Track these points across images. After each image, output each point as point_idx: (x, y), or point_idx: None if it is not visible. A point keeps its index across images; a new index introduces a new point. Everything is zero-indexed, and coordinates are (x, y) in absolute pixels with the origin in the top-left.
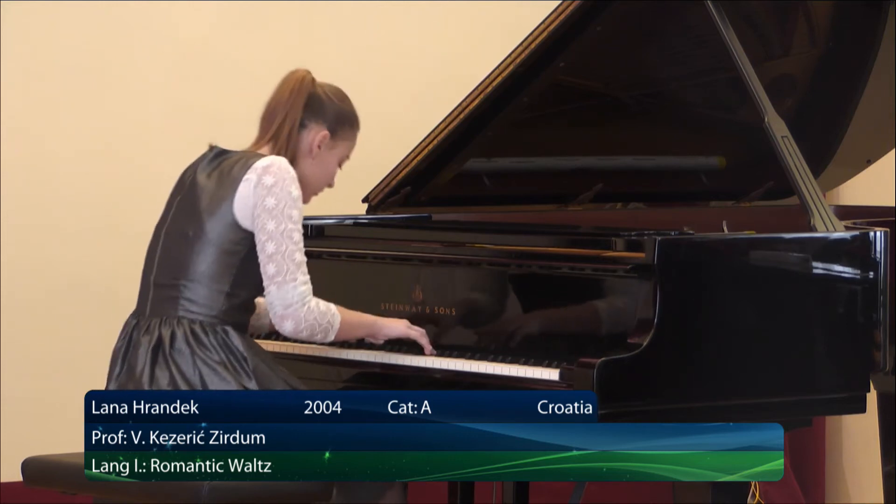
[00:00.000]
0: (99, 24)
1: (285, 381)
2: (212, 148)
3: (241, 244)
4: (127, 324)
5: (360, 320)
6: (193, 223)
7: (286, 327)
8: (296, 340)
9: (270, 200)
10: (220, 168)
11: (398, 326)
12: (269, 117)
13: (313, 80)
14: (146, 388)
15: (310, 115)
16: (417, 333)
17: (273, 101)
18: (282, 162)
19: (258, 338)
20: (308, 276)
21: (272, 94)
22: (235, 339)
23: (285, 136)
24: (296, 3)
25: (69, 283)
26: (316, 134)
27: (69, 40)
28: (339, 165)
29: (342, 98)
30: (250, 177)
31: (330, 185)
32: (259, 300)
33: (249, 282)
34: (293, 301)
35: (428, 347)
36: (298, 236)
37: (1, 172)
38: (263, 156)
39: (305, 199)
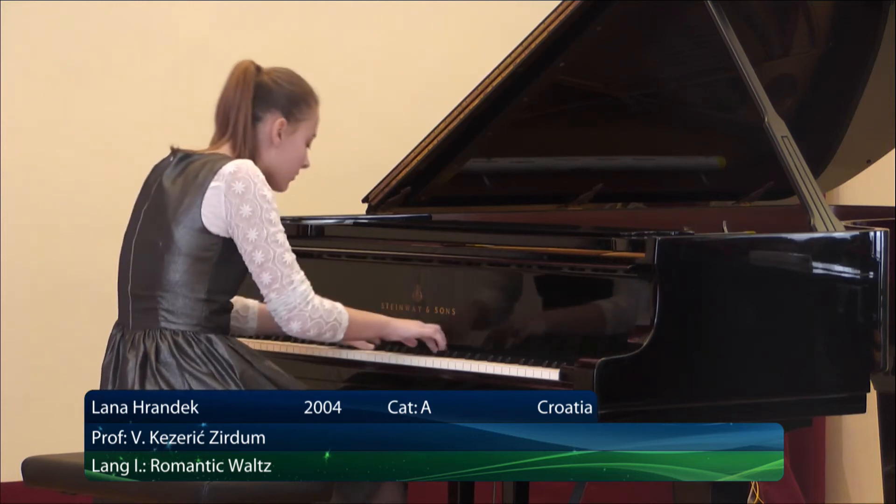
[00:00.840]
0: (99, 24)
1: (271, 381)
2: (174, 151)
3: (211, 250)
4: (112, 336)
5: (370, 319)
6: (162, 233)
7: (293, 328)
8: (304, 341)
9: (246, 209)
10: (184, 174)
11: (411, 327)
12: (223, 115)
13: (258, 68)
14: None
15: (262, 106)
16: (431, 331)
17: (222, 98)
18: (248, 165)
19: (257, 337)
20: (303, 273)
21: (221, 90)
22: (220, 348)
23: (241, 132)
24: (296, 3)
25: (69, 283)
26: (272, 124)
27: (69, 40)
28: (308, 145)
29: (291, 80)
30: (218, 184)
31: (304, 166)
32: (236, 299)
33: (225, 285)
34: (297, 303)
35: (442, 344)
36: (282, 237)
37: (1, 172)
38: (227, 158)
39: (282, 187)
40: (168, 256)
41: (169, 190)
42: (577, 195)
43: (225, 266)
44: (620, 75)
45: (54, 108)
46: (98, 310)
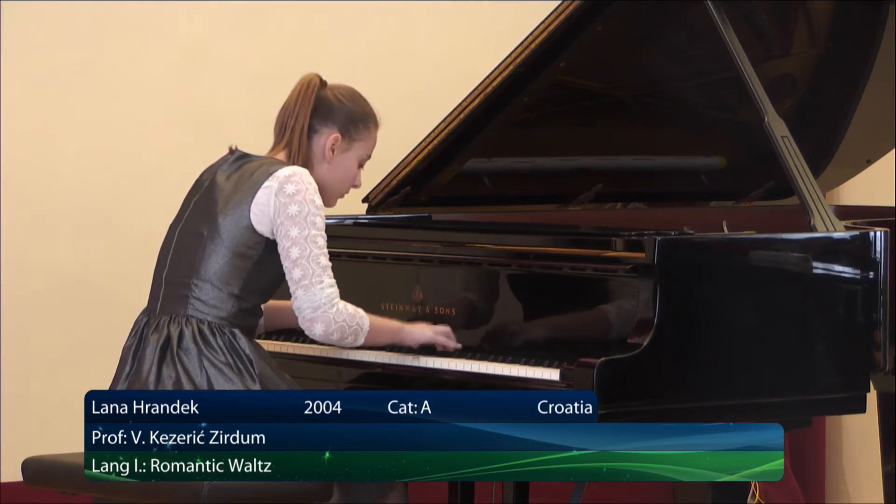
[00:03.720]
0: (99, 24)
1: (290, 388)
2: (232, 151)
3: (254, 248)
4: (138, 321)
5: (386, 325)
6: (208, 223)
7: (317, 330)
8: (324, 344)
9: (293, 208)
10: (240, 171)
11: (424, 332)
12: (281, 124)
13: (322, 83)
14: (151, 387)
15: (319, 120)
16: (444, 339)
17: (283, 108)
18: (304, 173)
19: (259, 338)
20: (334, 280)
21: (285, 100)
22: (243, 342)
23: (296, 143)
24: (296, 3)
25: (69, 282)
26: (327, 138)
27: (69, 40)
28: (360, 165)
29: (353, 98)
30: (271, 184)
31: (356, 186)
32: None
33: (259, 287)
34: (322, 303)
35: (453, 348)
36: (322, 242)
37: (1, 172)
38: (284, 164)
39: (330, 203)
40: (211, 246)
41: (222, 185)
42: (577, 195)
43: (263, 267)
44: (620, 75)
45: (54, 108)
46: (99, 309)
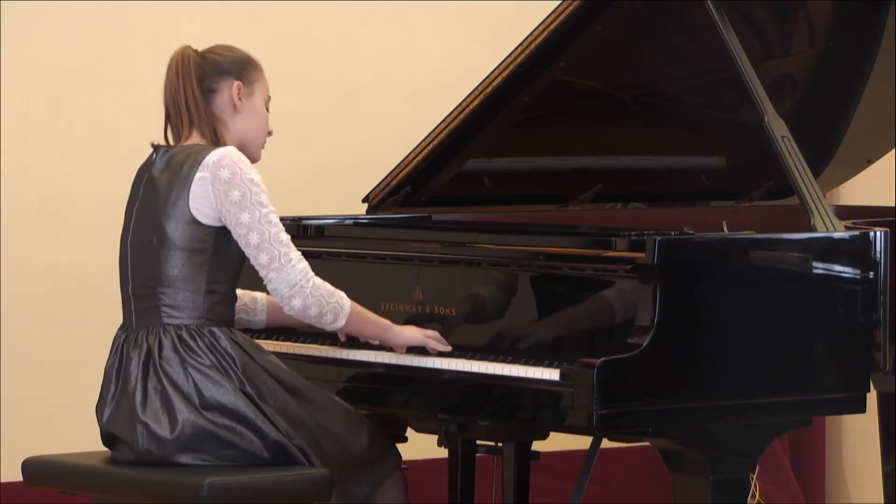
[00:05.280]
0: (99, 24)
1: (272, 375)
2: (156, 148)
3: (205, 241)
4: (116, 339)
5: (374, 318)
6: (154, 230)
7: (295, 305)
8: (307, 339)
9: (235, 193)
10: (170, 166)
11: (414, 335)
12: (174, 104)
13: (194, 50)
14: (139, 403)
15: (213, 79)
16: (434, 343)
17: (167, 88)
18: (231, 152)
19: (260, 336)
20: (300, 253)
21: (164, 84)
22: (223, 341)
23: (196, 113)
24: (296, 4)
25: (69, 283)
26: (229, 89)
27: (69, 40)
28: (267, 108)
29: (231, 49)
30: (203, 174)
31: (269, 133)
32: (240, 292)
33: (225, 275)
34: (298, 280)
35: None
36: (275, 217)
37: (1, 172)
38: (209, 148)
39: (256, 155)
40: (164, 252)
41: (157, 183)
42: (577, 195)
43: (222, 255)
44: (620, 75)
45: (54, 108)
46: (99, 309)
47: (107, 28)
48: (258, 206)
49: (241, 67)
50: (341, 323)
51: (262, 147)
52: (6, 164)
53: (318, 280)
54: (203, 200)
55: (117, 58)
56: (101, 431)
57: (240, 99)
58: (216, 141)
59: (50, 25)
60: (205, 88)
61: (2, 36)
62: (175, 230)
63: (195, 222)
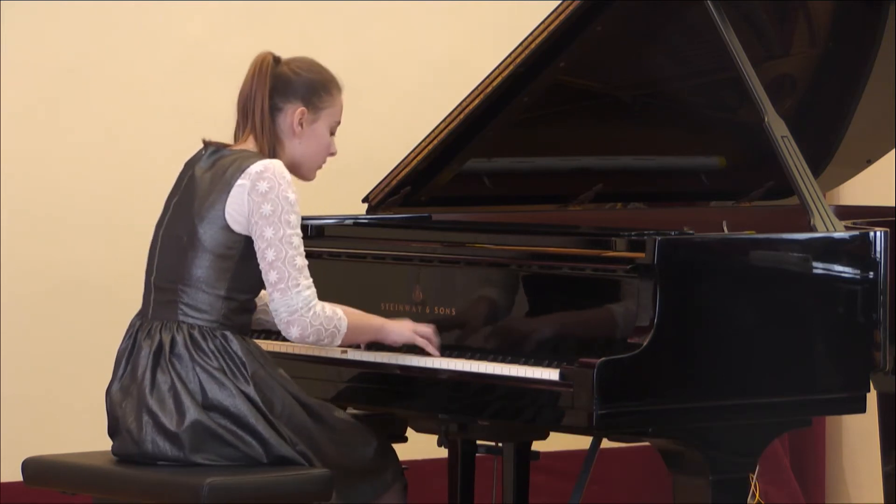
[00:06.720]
0: (99, 24)
1: (283, 387)
2: (207, 145)
3: (234, 248)
4: (132, 325)
5: (367, 324)
6: (186, 228)
7: (292, 333)
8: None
9: (267, 207)
10: (214, 168)
11: (405, 332)
12: (243, 109)
13: (276, 59)
14: (147, 391)
15: (280, 97)
16: (424, 341)
17: (241, 91)
18: (275, 166)
19: (259, 336)
20: (311, 280)
21: (242, 84)
22: (234, 345)
23: (260, 125)
24: (296, 3)
25: (69, 282)
26: (292, 114)
27: (69, 40)
28: (332, 133)
29: (310, 68)
30: (244, 182)
31: (332, 154)
32: (263, 293)
33: (246, 284)
34: (298, 307)
35: (437, 344)
36: (298, 241)
37: (1, 172)
38: (257, 157)
39: (310, 176)
40: (192, 252)
41: (199, 183)
42: (577, 195)
43: (246, 265)
44: (620, 75)
45: (54, 108)
46: (99, 309)
47: (107, 28)
48: (285, 224)
49: (311, 92)
50: (338, 343)
51: (320, 168)
52: (6, 164)
53: (319, 308)
54: (238, 207)
55: (117, 58)
56: (107, 415)
57: (300, 125)
58: (269, 154)
59: (50, 25)
60: (273, 105)
61: (2, 36)
62: (206, 232)
63: (227, 228)
